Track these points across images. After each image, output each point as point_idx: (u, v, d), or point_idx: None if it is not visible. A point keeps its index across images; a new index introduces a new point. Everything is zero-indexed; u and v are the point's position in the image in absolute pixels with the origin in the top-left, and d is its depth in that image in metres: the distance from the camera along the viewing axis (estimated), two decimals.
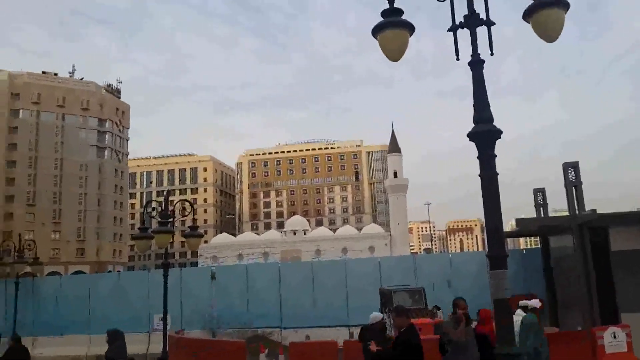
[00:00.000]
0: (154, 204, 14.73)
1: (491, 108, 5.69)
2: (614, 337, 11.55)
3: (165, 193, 14.27)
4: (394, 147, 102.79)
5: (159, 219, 13.17)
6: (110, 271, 72.66)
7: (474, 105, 5.72)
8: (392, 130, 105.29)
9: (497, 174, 5.69)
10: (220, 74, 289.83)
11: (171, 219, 13.34)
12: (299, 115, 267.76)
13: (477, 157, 5.70)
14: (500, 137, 5.68)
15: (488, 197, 5.63)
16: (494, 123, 5.63)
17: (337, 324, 17.64)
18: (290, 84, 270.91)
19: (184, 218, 14.30)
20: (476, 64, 5.71)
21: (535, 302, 10.22)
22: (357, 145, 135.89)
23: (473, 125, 5.71)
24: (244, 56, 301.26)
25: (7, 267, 21.62)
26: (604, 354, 11.28)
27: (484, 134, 5.61)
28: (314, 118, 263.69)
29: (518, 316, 9.76)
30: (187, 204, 14.22)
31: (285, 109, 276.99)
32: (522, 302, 10.31)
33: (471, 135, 5.69)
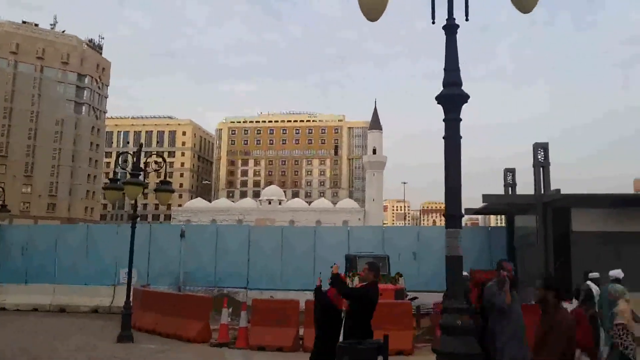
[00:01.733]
0: (127, 158, 14.61)
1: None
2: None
3: (139, 145, 14.19)
4: (375, 123, 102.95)
5: (131, 171, 13.16)
6: None
7: (444, 69, 5.84)
8: (375, 107, 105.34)
9: (461, 137, 5.83)
10: (210, 39, 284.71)
11: (143, 171, 13.31)
12: (287, 86, 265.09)
13: (443, 120, 5.84)
14: (467, 102, 5.81)
15: (450, 159, 5.78)
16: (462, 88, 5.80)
17: (303, 288, 17.89)
18: (281, 53, 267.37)
19: (157, 170, 14.24)
20: (450, 28, 5.81)
21: (617, 273, 8.54)
22: (339, 120, 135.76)
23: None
24: (236, 22, 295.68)
25: None
26: None
27: (451, 97, 5.74)
28: (301, 90, 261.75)
29: (589, 286, 9.05)
30: (159, 157, 14.13)
31: (274, 78, 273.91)
32: (592, 274, 9.35)
33: (439, 98, 5.82)
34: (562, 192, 12.85)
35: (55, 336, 13.65)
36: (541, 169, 13.80)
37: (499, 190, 17.52)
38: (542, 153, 13.87)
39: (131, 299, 13.43)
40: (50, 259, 20.03)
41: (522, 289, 16.14)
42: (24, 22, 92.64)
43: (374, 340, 6.51)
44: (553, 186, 13.94)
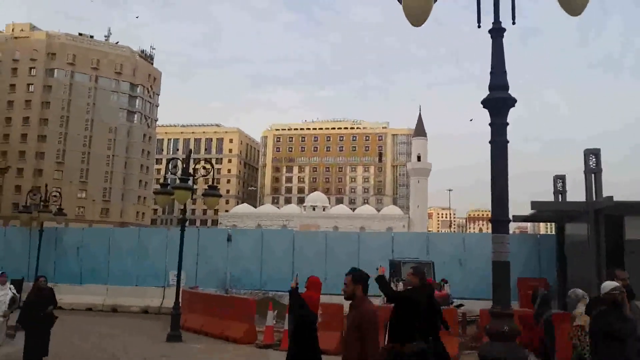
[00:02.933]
0: (177, 164, 15.06)
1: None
2: None
3: (188, 152, 14.61)
4: (419, 130, 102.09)
5: (180, 177, 13.58)
6: None
7: (490, 73, 5.82)
8: (419, 114, 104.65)
9: (508, 141, 5.78)
10: (254, 47, 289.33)
11: (192, 177, 13.71)
12: (330, 92, 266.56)
13: (489, 124, 5.81)
14: (514, 106, 5.77)
15: (496, 163, 5.75)
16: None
17: None
18: (324, 60, 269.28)
19: (205, 176, 14.63)
20: (496, 32, 5.79)
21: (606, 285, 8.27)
22: (383, 127, 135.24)
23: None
24: (279, 30, 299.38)
25: (33, 215, 22.36)
26: None
27: (498, 101, 5.71)
28: (345, 96, 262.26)
29: (544, 291, 9.24)
30: (207, 164, 14.53)
31: (317, 85, 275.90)
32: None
33: (485, 102, 5.79)
34: (614, 199, 12.46)
35: (106, 334, 14.18)
36: (593, 175, 13.42)
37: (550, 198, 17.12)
38: (594, 159, 13.49)
39: (180, 300, 13.84)
40: (103, 261, 20.81)
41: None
42: (80, 34, 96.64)
43: (418, 343, 6.50)
44: (605, 193, 13.53)
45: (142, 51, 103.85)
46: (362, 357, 4.45)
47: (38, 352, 9.70)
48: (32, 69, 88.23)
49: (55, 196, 22.21)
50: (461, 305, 14.88)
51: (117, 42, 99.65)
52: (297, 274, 8.81)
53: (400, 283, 13.59)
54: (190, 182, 13.66)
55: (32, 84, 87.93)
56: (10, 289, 9.73)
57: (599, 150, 13.65)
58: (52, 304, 10.22)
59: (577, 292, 7.21)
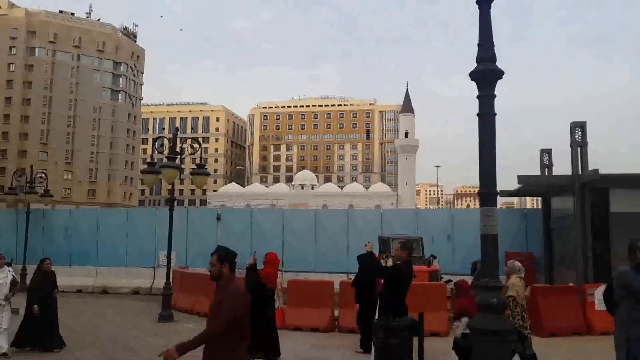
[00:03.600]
0: (164, 143, 14.93)
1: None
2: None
3: (175, 130, 14.47)
4: (407, 106, 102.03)
5: (167, 155, 13.45)
6: None
7: (478, 44, 5.77)
8: (407, 90, 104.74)
9: (495, 114, 5.79)
10: (241, 22, 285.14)
11: (179, 156, 13.60)
12: (319, 70, 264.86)
13: (477, 97, 5.79)
14: (501, 77, 5.75)
15: (484, 137, 5.75)
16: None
17: (336, 270, 18.03)
18: (317, 38, 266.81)
19: (193, 156, 14.53)
20: (484, 3, 5.74)
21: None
22: (370, 104, 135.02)
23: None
24: (269, 5, 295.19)
25: (19, 197, 22.14)
26: (593, 310, 11.55)
27: (486, 73, 5.68)
28: (334, 73, 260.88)
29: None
30: (195, 142, 14.41)
31: (305, 63, 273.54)
32: None
33: (473, 74, 5.76)
34: (600, 171, 12.57)
35: (98, 315, 14.19)
36: (579, 148, 13.51)
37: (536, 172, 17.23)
38: (580, 132, 13.56)
39: (171, 280, 13.85)
40: (92, 242, 20.69)
41: (559, 271, 15.97)
42: (60, 12, 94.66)
43: (409, 318, 6.59)
44: (593, 167, 13.65)
45: (125, 28, 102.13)
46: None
47: (43, 337, 9.73)
48: (13, 48, 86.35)
49: (41, 177, 21.93)
50: (450, 280, 15.03)
51: (98, 19, 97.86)
52: (255, 251, 8.87)
53: (390, 259, 13.68)
54: (177, 161, 13.55)
55: (13, 64, 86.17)
56: (9, 271, 9.31)
57: (584, 123, 13.72)
58: (56, 288, 10.18)
59: (514, 264, 7.29)
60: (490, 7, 5.74)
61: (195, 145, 14.75)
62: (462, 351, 6.87)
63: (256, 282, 7.82)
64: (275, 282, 10.47)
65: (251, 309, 4.42)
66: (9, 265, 9.79)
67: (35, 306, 9.67)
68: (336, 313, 12.03)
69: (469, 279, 11.46)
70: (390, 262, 13.67)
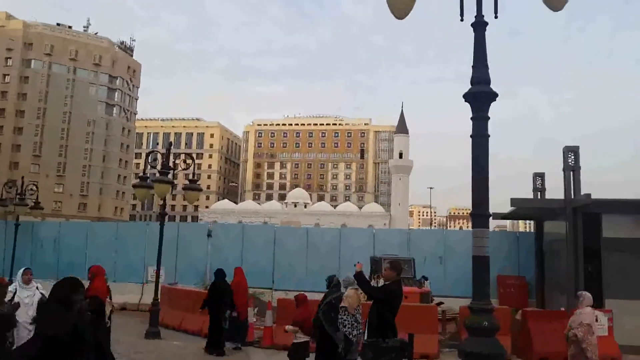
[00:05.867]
0: (157, 157, 14.85)
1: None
2: (596, 320, 11.75)
3: (168, 145, 14.43)
4: (401, 127, 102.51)
5: (160, 170, 13.38)
6: None
7: (472, 66, 5.81)
8: (402, 111, 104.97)
9: (489, 135, 5.79)
10: (242, 40, 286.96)
11: (172, 170, 13.53)
12: (314, 88, 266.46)
13: (471, 118, 5.80)
14: (495, 100, 5.77)
15: (477, 158, 5.75)
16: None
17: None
18: (311, 56, 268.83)
19: (186, 171, 14.47)
20: (479, 26, 5.78)
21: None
22: (365, 124, 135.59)
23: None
24: (268, 24, 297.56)
25: (9, 208, 21.93)
26: None
27: (479, 95, 5.70)
28: (328, 92, 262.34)
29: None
30: (188, 158, 14.36)
31: (303, 81, 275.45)
32: None
33: (467, 96, 5.78)
34: (592, 196, 12.61)
35: None
36: (571, 172, 13.57)
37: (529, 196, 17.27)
38: (573, 157, 13.63)
39: (159, 296, 13.67)
40: (81, 255, 20.44)
41: (550, 295, 15.92)
42: (58, 25, 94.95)
43: (398, 339, 6.50)
44: (584, 190, 13.69)
45: (122, 42, 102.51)
46: None
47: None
48: (9, 59, 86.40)
49: (31, 190, 21.76)
50: (441, 303, 14.94)
51: (96, 33, 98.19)
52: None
53: (382, 280, 13.59)
54: (170, 176, 13.48)
55: (9, 75, 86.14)
56: (37, 288, 7.88)
57: (577, 147, 13.80)
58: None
59: (349, 278, 8.09)
60: (485, 29, 5.79)
61: (189, 161, 14.70)
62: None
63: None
64: (247, 290, 10.78)
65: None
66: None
67: None
68: None
69: (461, 301, 11.42)
70: (381, 282, 13.60)
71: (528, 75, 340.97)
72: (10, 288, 7.65)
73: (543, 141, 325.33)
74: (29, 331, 7.20)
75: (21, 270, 7.84)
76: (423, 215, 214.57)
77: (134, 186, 13.95)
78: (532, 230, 18.77)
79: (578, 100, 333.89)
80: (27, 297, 7.62)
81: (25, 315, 7.42)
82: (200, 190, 14.64)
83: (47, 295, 6.95)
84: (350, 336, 7.44)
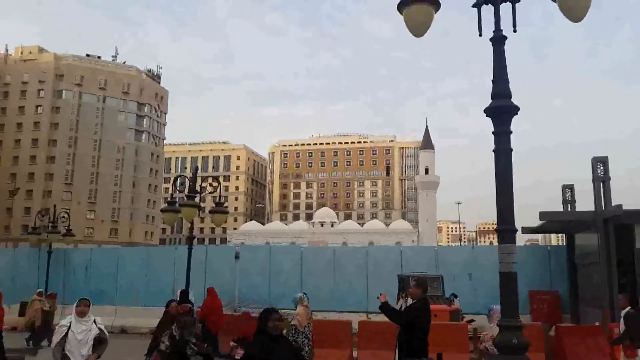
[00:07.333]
0: (184, 181, 15.05)
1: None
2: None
3: (194, 168, 14.63)
4: (426, 143, 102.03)
5: (187, 194, 13.56)
6: None
7: (492, 80, 5.79)
8: (426, 126, 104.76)
9: (512, 149, 5.74)
10: (263, 63, 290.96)
11: (198, 194, 13.70)
12: (338, 107, 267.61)
13: (492, 133, 5.76)
14: (517, 114, 5.72)
15: (500, 172, 5.69)
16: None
17: (356, 309, 17.77)
18: (334, 76, 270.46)
19: (213, 194, 14.62)
20: (498, 40, 5.77)
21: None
22: (390, 141, 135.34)
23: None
24: (290, 46, 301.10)
25: (42, 236, 22.44)
26: (620, 350, 11.12)
27: (501, 110, 5.67)
28: (353, 111, 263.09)
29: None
30: (214, 181, 14.53)
31: (325, 100, 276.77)
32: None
33: (488, 111, 5.75)
34: (624, 207, 12.30)
35: (114, 357, 14.04)
36: (601, 183, 13.28)
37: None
38: (602, 167, 13.36)
39: None
40: (112, 281, 20.77)
41: (584, 310, 15.48)
42: (87, 55, 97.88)
43: (428, 359, 6.40)
44: (615, 199, 13.38)
45: (149, 70, 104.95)
46: None
47: None
48: (41, 91, 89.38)
49: (63, 217, 22.24)
50: (472, 320, 14.65)
51: (124, 62, 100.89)
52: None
53: (409, 298, 13.43)
54: (197, 200, 13.64)
55: (41, 106, 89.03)
56: (94, 322, 6.65)
57: (606, 158, 13.52)
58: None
59: (300, 297, 8.83)
60: (504, 44, 5.76)
61: (215, 184, 14.88)
62: None
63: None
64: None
65: None
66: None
67: None
68: (355, 354, 11.78)
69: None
70: (410, 301, 13.43)
71: (550, 83, 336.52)
72: (64, 322, 6.59)
73: (564, 146, 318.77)
74: None
75: (76, 302, 6.69)
76: (452, 231, 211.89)
77: (162, 211, 14.14)
78: (564, 244, 18.35)
79: (600, 106, 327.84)
80: (82, 332, 6.47)
81: (79, 355, 6.35)
82: (227, 212, 14.77)
83: (105, 331, 6.61)
84: (302, 352, 7.79)
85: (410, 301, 12.85)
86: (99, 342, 6.55)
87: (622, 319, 8.65)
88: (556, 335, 11.13)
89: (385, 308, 6.86)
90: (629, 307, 8.74)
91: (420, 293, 6.92)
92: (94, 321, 6.64)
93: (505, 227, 5.58)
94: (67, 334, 6.38)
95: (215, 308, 13.50)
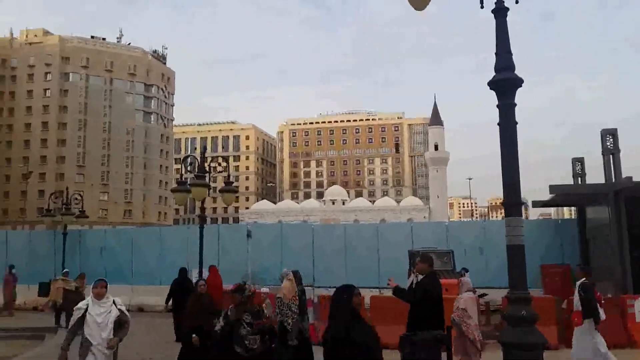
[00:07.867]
0: (194, 161, 15.16)
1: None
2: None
3: (203, 149, 14.73)
4: (435, 119, 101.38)
5: (196, 174, 13.68)
6: None
7: (495, 53, 5.77)
8: (435, 102, 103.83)
9: (517, 123, 5.74)
10: (270, 43, 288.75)
11: (208, 173, 13.81)
12: (346, 85, 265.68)
13: (497, 106, 5.75)
14: (521, 86, 5.71)
15: (505, 146, 5.70)
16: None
17: (367, 285, 17.88)
18: (340, 54, 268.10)
19: (222, 173, 14.73)
20: (500, 12, 5.73)
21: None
22: (398, 117, 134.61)
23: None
24: (296, 25, 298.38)
25: (57, 218, 22.77)
26: (634, 322, 11.20)
27: (504, 82, 5.66)
28: (361, 89, 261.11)
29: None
30: (224, 160, 14.63)
31: (333, 79, 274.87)
32: None
33: (491, 84, 5.74)
34: (634, 179, 12.23)
35: (132, 334, 14.33)
36: (611, 156, 13.20)
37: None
38: (611, 139, 13.26)
39: None
40: (127, 261, 21.07)
41: (597, 283, 15.50)
42: (92, 37, 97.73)
43: (433, 331, 6.49)
44: (627, 174, 13.29)
45: (155, 51, 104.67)
46: None
47: None
48: (48, 74, 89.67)
49: (76, 199, 22.54)
50: (484, 294, 14.73)
51: (129, 43, 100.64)
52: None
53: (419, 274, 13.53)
54: (207, 179, 13.75)
55: (49, 89, 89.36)
56: (114, 303, 6.24)
57: (615, 130, 13.41)
58: None
59: (286, 272, 8.94)
60: (506, 15, 5.73)
61: (223, 163, 14.99)
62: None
63: None
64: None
65: None
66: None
67: None
68: None
69: (504, 292, 11.18)
70: (420, 277, 13.53)
71: (563, 59, 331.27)
72: (82, 304, 6.19)
73: (579, 126, 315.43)
74: (106, 356, 6.05)
75: (93, 283, 6.33)
76: (463, 207, 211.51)
77: (173, 191, 14.32)
78: (574, 217, 18.31)
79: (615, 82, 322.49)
80: (101, 314, 6.07)
81: (100, 338, 5.99)
82: (235, 191, 14.89)
83: (126, 312, 6.26)
84: (285, 324, 8.22)
85: (420, 277, 12.97)
86: (120, 325, 6.18)
87: (576, 289, 9.13)
88: (568, 309, 11.17)
89: (397, 293, 6.99)
90: (584, 279, 9.14)
91: (426, 268, 6.99)
92: (114, 302, 6.24)
93: (511, 200, 5.62)
94: (84, 316, 6.04)
95: (216, 285, 14.18)
